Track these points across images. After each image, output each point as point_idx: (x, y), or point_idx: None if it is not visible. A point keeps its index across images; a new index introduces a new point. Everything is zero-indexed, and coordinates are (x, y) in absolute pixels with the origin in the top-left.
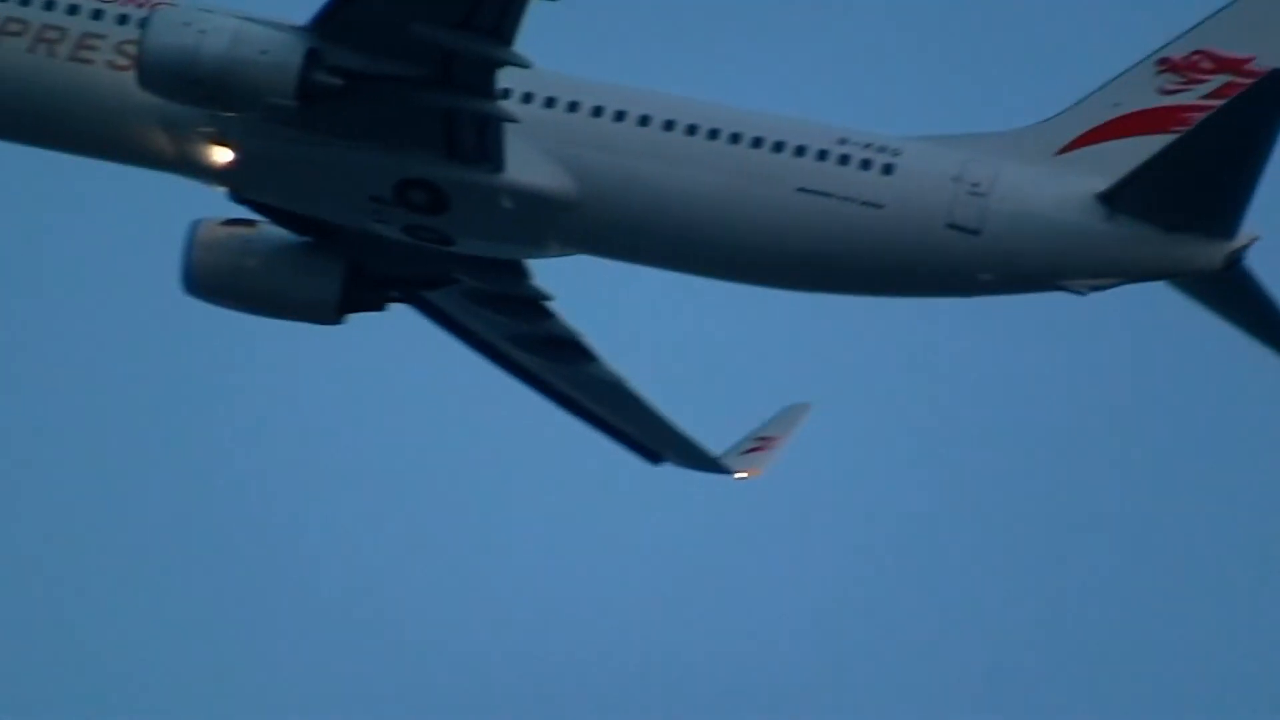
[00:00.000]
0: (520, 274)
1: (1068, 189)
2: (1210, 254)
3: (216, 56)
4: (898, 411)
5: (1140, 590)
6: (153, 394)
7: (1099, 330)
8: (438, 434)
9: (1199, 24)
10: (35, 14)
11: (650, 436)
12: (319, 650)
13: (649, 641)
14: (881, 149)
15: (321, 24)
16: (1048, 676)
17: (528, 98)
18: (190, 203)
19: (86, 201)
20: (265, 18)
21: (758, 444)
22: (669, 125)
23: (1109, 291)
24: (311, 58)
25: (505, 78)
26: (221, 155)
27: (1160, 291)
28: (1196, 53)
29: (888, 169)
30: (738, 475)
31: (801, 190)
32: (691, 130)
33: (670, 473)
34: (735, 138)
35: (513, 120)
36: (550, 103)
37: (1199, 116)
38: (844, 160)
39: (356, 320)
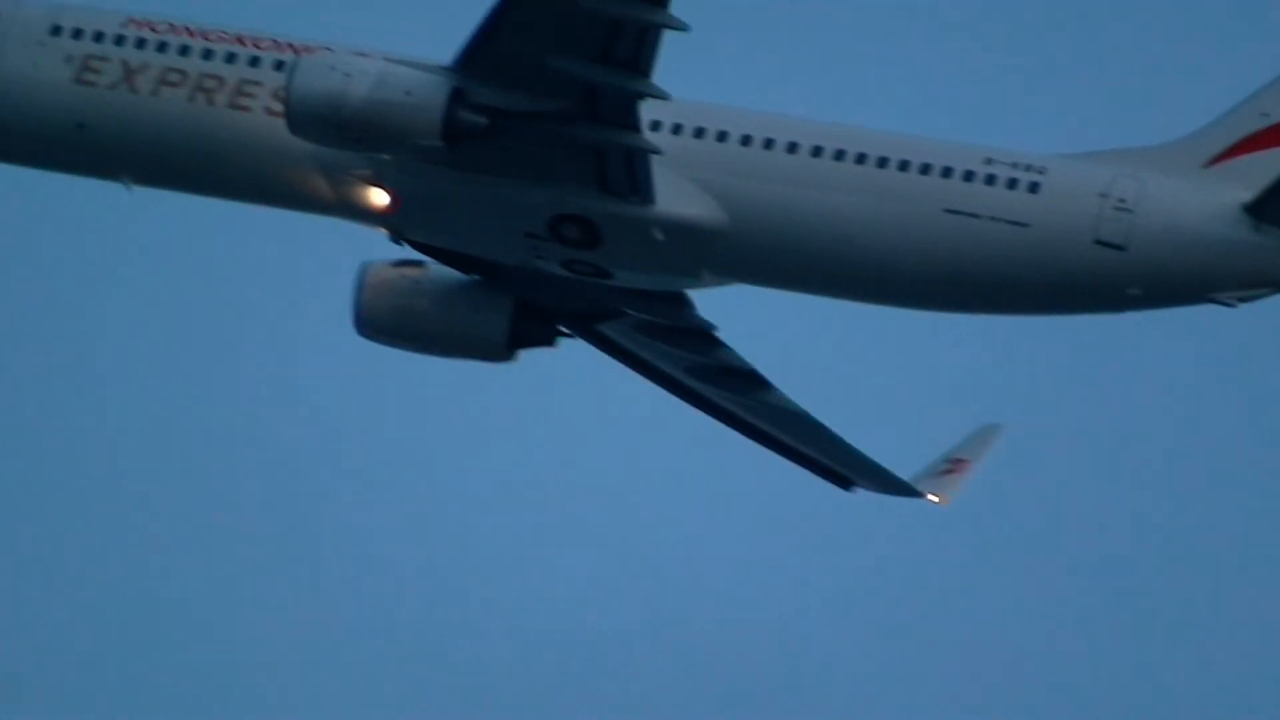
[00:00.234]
0: (684, 305)
1: (1215, 201)
2: None
3: (362, 100)
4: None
5: None
6: (331, 434)
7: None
8: (632, 469)
9: None
10: (194, 64)
11: (839, 462)
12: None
13: (852, 665)
14: (1028, 167)
15: (464, 63)
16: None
17: (677, 129)
18: (361, 246)
19: (255, 247)
20: (411, 59)
21: (951, 466)
22: (817, 151)
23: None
24: (456, 97)
25: (655, 109)
26: (379, 197)
27: None
28: None
29: (1034, 187)
30: (930, 499)
31: (948, 211)
32: (839, 155)
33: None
34: (882, 161)
35: (657, 152)
36: (699, 133)
37: None
38: (990, 180)
39: (528, 356)
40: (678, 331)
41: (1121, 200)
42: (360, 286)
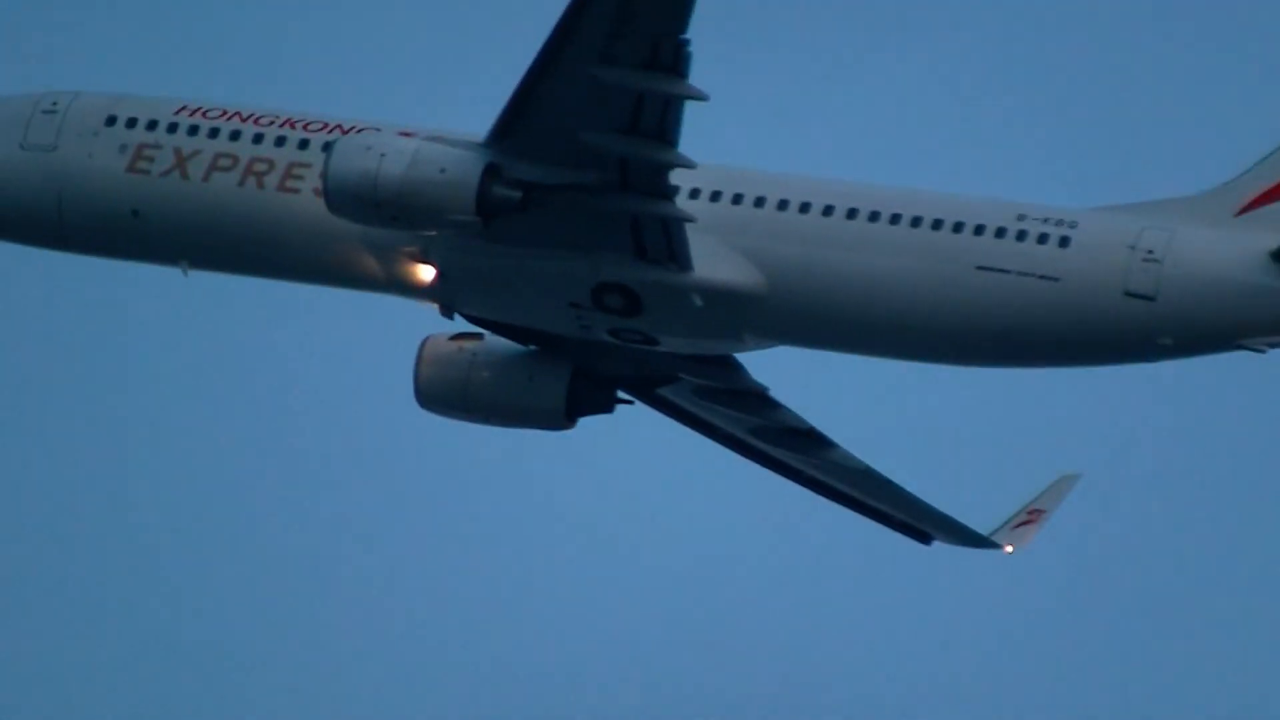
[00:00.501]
0: (734, 368)
1: (1244, 248)
2: None
3: (397, 179)
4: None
5: None
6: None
7: None
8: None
9: None
10: (244, 148)
11: (914, 517)
12: None
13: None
14: (1059, 222)
15: (496, 138)
16: None
17: (716, 195)
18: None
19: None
20: (449, 136)
21: (1029, 517)
22: (852, 213)
23: None
24: (490, 172)
25: (694, 176)
26: (426, 273)
27: None
28: None
29: (1064, 241)
30: (1006, 549)
31: (981, 268)
32: (874, 217)
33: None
34: (916, 221)
35: (690, 220)
36: (737, 199)
37: None
38: (1021, 236)
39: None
40: (734, 394)
41: (1150, 252)
42: (419, 360)
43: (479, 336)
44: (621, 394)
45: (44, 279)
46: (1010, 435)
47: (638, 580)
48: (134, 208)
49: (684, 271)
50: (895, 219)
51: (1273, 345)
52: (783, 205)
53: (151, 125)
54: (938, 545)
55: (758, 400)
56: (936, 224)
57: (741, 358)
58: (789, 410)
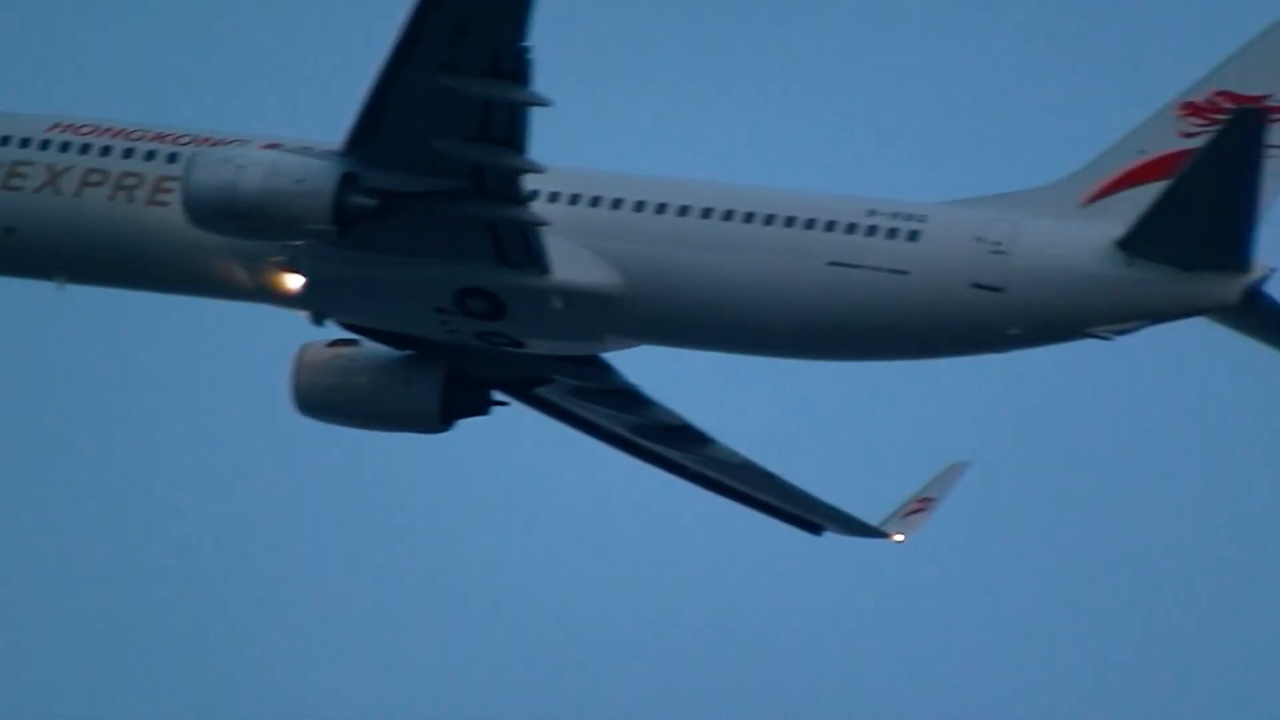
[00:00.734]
0: (604, 368)
1: (1089, 238)
2: (1227, 289)
3: (254, 190)
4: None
5: None
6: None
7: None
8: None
9: (1218, 67)
10: (115, 163)
11: (801, 509)
12: None
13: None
14: (909, 217)
15: (352, 148)
16: None
17: (574, 198)
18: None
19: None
20: (317, 147)
21: (918, 505)
22: (706, 213)
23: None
24: (346, 181)
25: (551, 179)
26: (294, 282)
27: None
28: (1217, 94)
29: (913, 235)
30: (895, 538)
31: (833, 264)
32: (728, 215)
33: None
34: (769, 219)
35: (544, 224)
36: (595, 201)
37: None
38: (871, 231)
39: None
40: (608, 393)
41: (997, 243)
42: (296, 367)
43: (355, 343)
44: (499, 396)
45: None
46: (895, 425)
47: (519, 580)
48: (7, 225)
49: (543, 275)
50: (749, 217)
51: (1120, 333)
52: (639, 206)
53: (24, 143)
54: (828, 536)
55: (631, 399)
56: (789, 221)
57: (614, 357)
58: (661, 407)
